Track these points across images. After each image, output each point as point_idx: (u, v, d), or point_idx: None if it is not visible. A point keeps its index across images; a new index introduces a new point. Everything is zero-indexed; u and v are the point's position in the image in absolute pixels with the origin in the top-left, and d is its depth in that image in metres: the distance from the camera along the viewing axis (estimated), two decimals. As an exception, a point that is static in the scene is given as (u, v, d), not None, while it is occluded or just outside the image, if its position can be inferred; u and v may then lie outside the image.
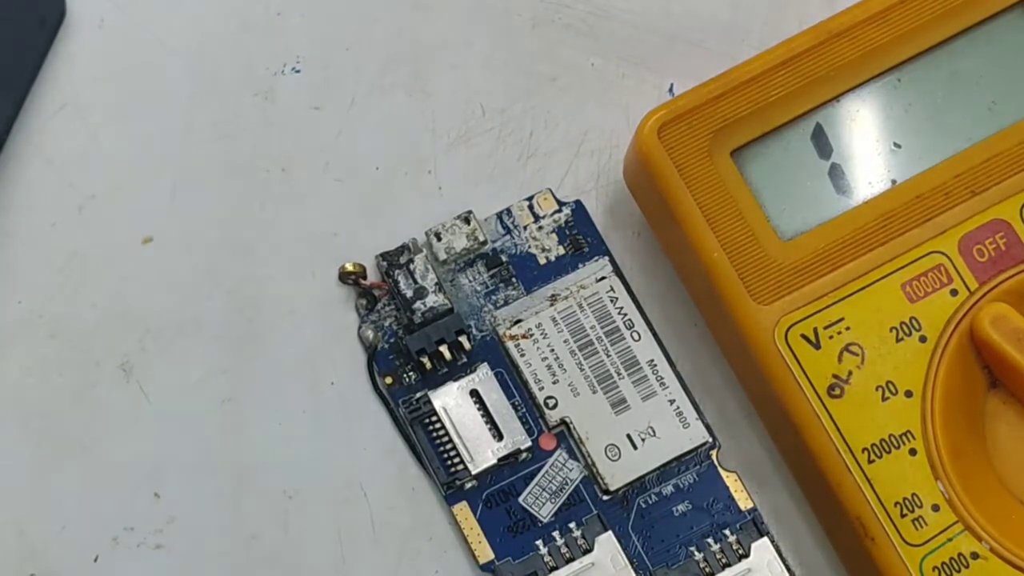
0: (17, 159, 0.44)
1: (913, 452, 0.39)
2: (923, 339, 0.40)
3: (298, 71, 0.44)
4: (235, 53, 0.44)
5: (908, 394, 0.39)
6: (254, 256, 0.43)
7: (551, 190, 0.43)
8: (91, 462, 0.42)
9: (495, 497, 0.42)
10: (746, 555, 0.41)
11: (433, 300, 0.42)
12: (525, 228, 0.43)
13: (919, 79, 0.41)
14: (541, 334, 0.42)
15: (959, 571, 0.39)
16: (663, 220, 0.41)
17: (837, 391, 0.39)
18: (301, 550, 0.42)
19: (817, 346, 0.40)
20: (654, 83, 0.44)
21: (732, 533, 0.41)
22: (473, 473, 0.41)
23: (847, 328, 0.40)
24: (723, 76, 0.41)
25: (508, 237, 0.43)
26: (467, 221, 0.43)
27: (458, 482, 0.42)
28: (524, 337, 0.42)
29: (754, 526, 0.41)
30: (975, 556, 0.38)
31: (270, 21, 0.44)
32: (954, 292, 0.40)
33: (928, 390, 0.39)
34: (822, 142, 0.41)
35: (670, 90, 0.44)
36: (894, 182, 0.41)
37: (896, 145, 0.41)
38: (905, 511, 0.39)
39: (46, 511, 0.42)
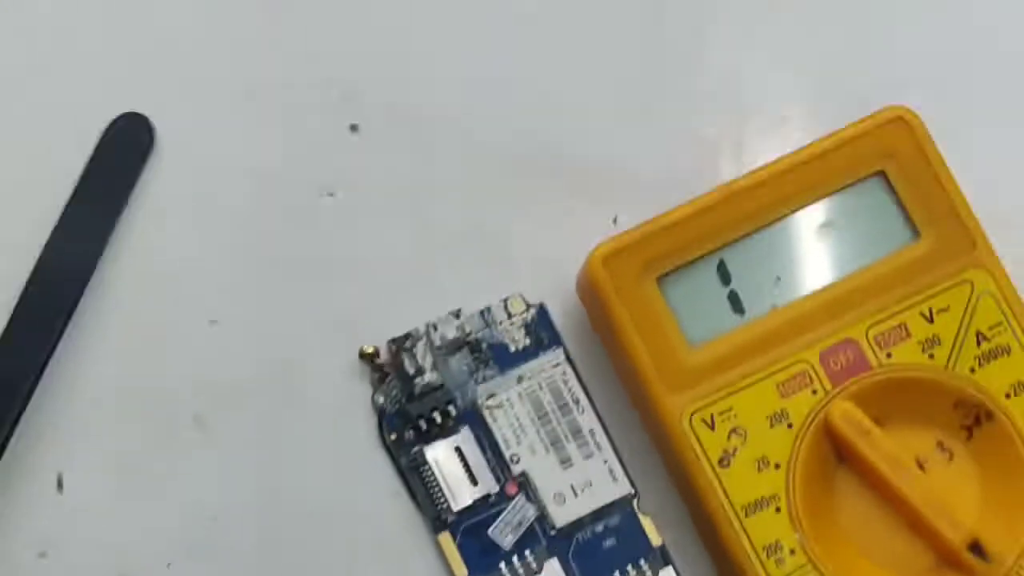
0: (113, 259, 0.48)
1: (778, 509, 0.44)
2: (790, 426, 0.45)
3: (333, 195, 0.49)
4: (287, 177, 0.49)
5: (776, 466, 0.44)
6: (295, 337, 0.48)
7: (521, 295, 0.48)
8: (166, 491, 0.47)
9: (470, 529, 0.46)
10: None
11: (429, 377, 0.47)
12: (500, 323, 0.48)
13: (796, 229, 0.46)
14: (510, 406, 0.47)
15: None
16: (604, 325, 0.46)
17: (725, 462, 0.44)
18: (320, 562, 0.47)
19: (712, 428, 0.45)
20: (603, 214, 0.48)
21: (645, 562, 0.46)
22: (455, 510, 0.46)
23: (735, 415, 0.45)
24: (651, 221, 0.45)
25: (487, 330, 0.48)
26: (457, 316, 0.48)
27: (443, 516, 0.46)
28: (497, 408, 0.47)
29: (662, 558, 0.46)
30: None
31: (314, 156, 0.49)
32: (814, 391, 0.45)
33: (791, 464, 0.44)
34: (724, 273, 0.46)
35: (614, 221, 0.48)
36: (775, 306, 0.46)
37: (777, 279, 0.46)
38: (770, 553, 0.44)
39: (131, 529, 0.46)
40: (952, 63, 0.50)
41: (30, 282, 0.48)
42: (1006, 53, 0.51)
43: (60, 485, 0.47)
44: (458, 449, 0.47)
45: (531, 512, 0.47)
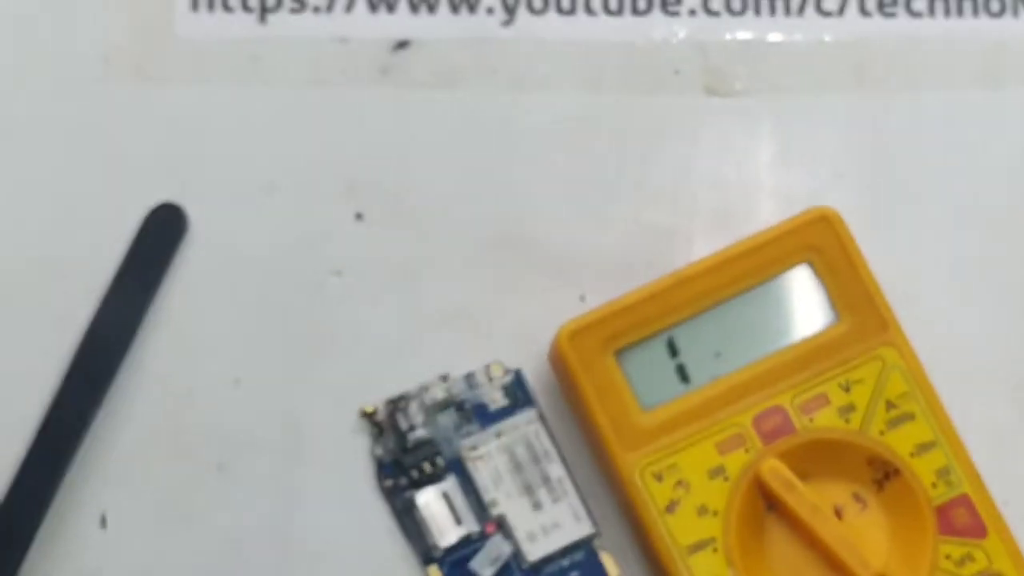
0: (151, 329, 0.50)
1: (715, 550, 0.46)
2: (726, 479, 0.47)
3: (340, 274, 0.51)
4: (300, 259, 0.51)
5: (715, 513, 0.47)
6: (305, 397, 0.50)
7: (500, 361, 0.50)
8: (194, 528, 0.49)
9: (455, 563, 0.49)
10: None
11: (420, 432, 0.49)
12: (482, 386, 0.50)
13: (735, 310, 0.48)
14: (489, 457, 0.49)
15: None
16: (571, 390, 0.48)
17: (672, 509, 0.47)
18: None
19: (661, 480, 0.47)
20: (571, 292, 0.51)
21: None
22: (441, 547, 0.49)
23: (679, 469, 0.47)
24: (612, 303, 0.48)
25: (471, 392, 0.50)
26: (444, 380, 0.50)
27: (431, 552, 0.48)
28: (478, 459, 0.49)
29: None
30: None
31: (323, 241, 0.51)
32: (747, 450, 0.47)
33: (728, 511, 0.47)
34: (672, 348, 0.48)
35: (581, 298, 0.50)
36: (715, 377, 0.48)
37: (718, 353, 0.48)
38: None
39: (165, 562, 0.49)
40: (873, 164, 0.53)
41: (80, 347, 0.49)
42: (916, 155, 0.53)
43: (104, 523, 0.49)
44: (445, 494, 0.49)
45: (507, 549, 0.49)
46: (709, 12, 0.53)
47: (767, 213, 0.52)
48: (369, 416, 0.50)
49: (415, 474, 0.50)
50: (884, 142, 0.53)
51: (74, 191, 0.52)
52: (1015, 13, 0.53)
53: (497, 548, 0.49)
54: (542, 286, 0.51)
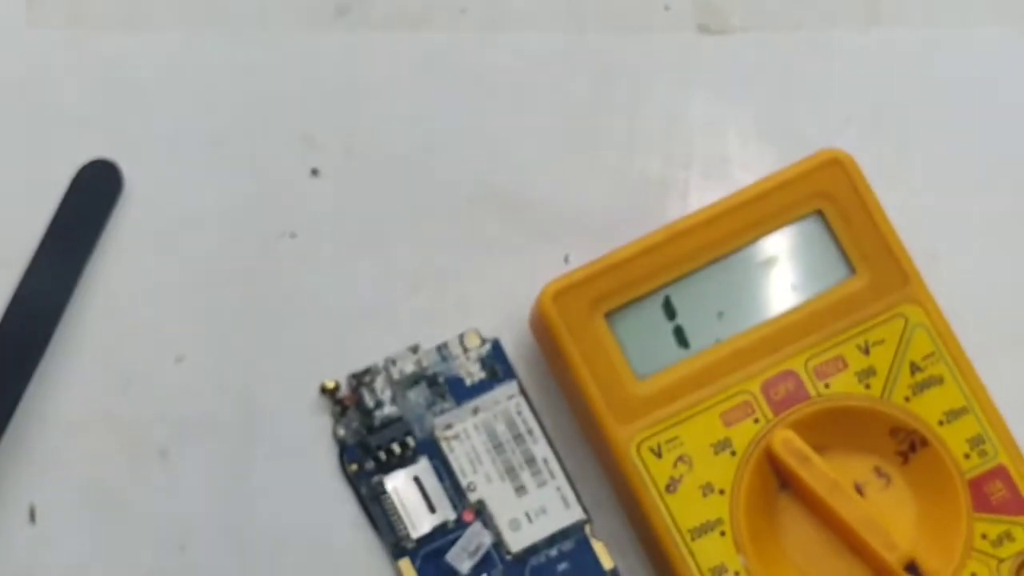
0: (83, 298, 0.48)
1: (723, 533, 0.45)
2: (733, 453, 0.45)
3: (295, 236, 0.49)
4: (250, 220, 0.49)
5: (721, 492, 0.45)
6: (258, 373, 0.48)
7: (476, 330, 0.48)
8: (136, 521, 0.47)
9: (429, 555, 0.47)
10: None
11: (388, 410, 0.48)
12: (456, 358, 0.48)
13: (738, 266, 0.47)
14: (466, 436, 0.48)
15: None
16: (556, 359, 0.47)
17: (672, 488, 0.45)
18: None
19: (659, 456, 0.45)
20: (554, 253, 0.49)
21: None
22: (414, 537, 0.47)
23: (681, 444, 0.45)
24: (599, 260, 0.46)
25: (444, 364, 0.48)
26: (415, 351, 0.48)
27: (403, 543, 0.47)
28: (454, 438, 0.48)
29: None
30: None
31: (276, 199, 0.49)
32: (756, 420, 0.46)
33: (735, 490, 0.45)
34: (669, 309, 0.46)
35: (566, 259, 0.49)
36: (718, 340, 0.46)
37: (720, 314, 0.46)
38: (716, 575, 0.44)
39: (102, 559, 0.47)
40: (885, 108, 0.51)
41: (3, 321, 0.48)
42: (935, 95, 0.51)
43: (33, 516, 0.47)
44: (416, 479, 0.47)
45: (487, 538, 0.47)
46: None
47: (770, 160, 0.50)
48: (330, 393, 0.48)
49: (383, 456, 0.48)
50: (896, 82, 0.52)
51: None
52: None
53: (476, 538, 0.48)
54: (521, 245, 0.50)
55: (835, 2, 0.52)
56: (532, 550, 0.47)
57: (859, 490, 0.46)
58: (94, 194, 0.49)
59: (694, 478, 0.45)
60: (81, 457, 0.48)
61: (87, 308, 0.49)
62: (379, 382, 0.48)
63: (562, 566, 0.47)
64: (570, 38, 0.51)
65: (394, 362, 0.48)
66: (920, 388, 0.46)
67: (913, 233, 0.47)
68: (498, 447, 0.48)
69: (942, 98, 0.51)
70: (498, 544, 0.47)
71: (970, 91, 0.51)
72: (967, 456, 0.46)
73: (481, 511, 0.47)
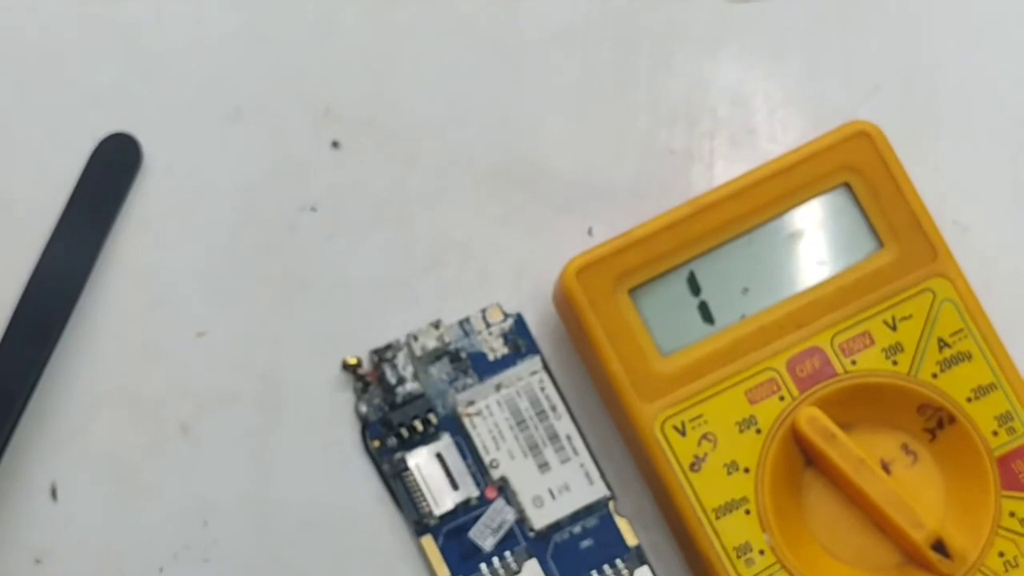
0: (103, 273, 0.48)
1: (748, 512, 0.45)
2: (758, 431, 0.45)
3: (315, 210, 0.49)
4: (270, 194, 0.49)
5: (746, 470, 0.45)
6: (280, 349, 0.48)
7: (499, 305, 0.48)
8: (157, 497, 0.47)
9: (452, 532, 0.47)
10: None
11: (410, 386, 0.47)
12: (479, 333, 0.48)
13: (763, 241, 0.46)
14: (488, 413, 0.47)
15: None
16: (579, 335, 0.46)
17: (697, 467, 0.45)
18: (307, 566, 0.47)
19: (684, 434, 0.45)
20: (578, 226, 0.49)
21: (622, 562, 0.47)
22: (436, 514, 0.47)
23: (705, 422, 0.45)
24: (624, 236, 0.46)
25: (466, 339, 0.48)
26: (436, 327, 0.48)
27: (425, 520, 0.47)
28: (476, 415, 0.47)
29: (637, 558, 0.47)
30: None
31: (296, 173, 0.49)
32: (781, 398, 0.45)
33: (760, 468, 0.45)
34: (694, 285, 0.46)
35: (589, 232, 0.49)
36: (743, 316, 0.46)
37: (745, 289, 0.46)
38: (740, 553, 0.44)
39: (124, 536, 0.47)
40: (914, 77, 0.51)
41: (24, 296, 0.48)
42: (965, 67, 0.51)
43: (54, 494, 0.47)
44: (439, 455, 0.47)
45: (510, 515, 0.47)
46: None
47: (797, 131, 0.50)
48: (352, 369, 0.48)
49: (405, 433, 0.48)
50: (927, 50, 0.51)
51: (16, 122, 0.50)
52: None
53: (499, 515, 0.47)
54: (544, 219, 0.50)
55: None
56: (555, 527, 0.47)
57: (886, 468, 0.45)
58: (114, 168, 0.49)
59: (719, 456, 0.45)
60: (102, 433, 0.48)
61: (107, 282, 0.49)
62: (401, 358, 0.48)
63: (585, 543, 0.47)
64: (593, 5, 0.51)
65: (416, 338, 0.48)
66: (948, 364, 0.46)
67: (942, 206, 0.47)
68: (521, 423, 0.48)
69: (972, 66, 0.51)
70: (521, 521, 0.47)
71: (999, 58, 0.51)
72: (995, 433, 0.45)
73: (504, 488, 0.47)
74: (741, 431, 0.45)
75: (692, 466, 0.45)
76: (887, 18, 0.51)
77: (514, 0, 0.51)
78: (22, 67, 0.50)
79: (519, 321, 0.48)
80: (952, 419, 0.45)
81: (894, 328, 0.46)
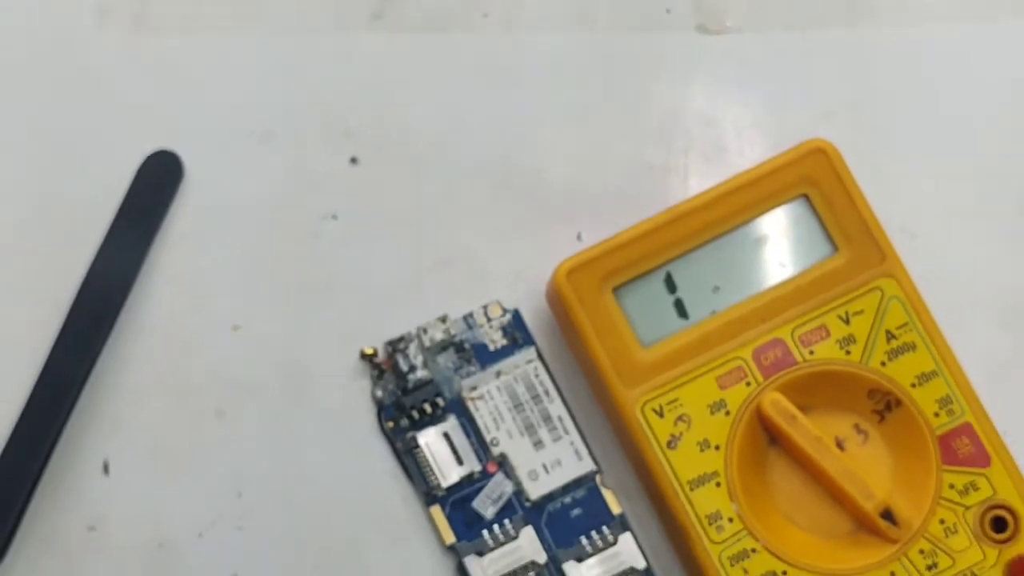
0: (149, 275, 0.48)
1: (718, 484, 0.44)
2: (727, 413, 0.45)
3: (336, 218, 0.48)
4: (296, 204, 0.49)
5: (716, 448, 0.44)
6: (305, 341, 0.48)
7: (498, 301, 0.48)
8: (196, 473, 0.47)
9: (457, 502, 0.46)
10: (615, 544, 0.46)
11: (420, 373, 0.47)
12: (481, 326, 0.48)
13: (732, 245, 0.46)
14: (489, 397, 0.47)
15: (742, 560, 0.44)
16: (569, 329, 0.46)
17: (673, 445, 0.44)
18: (329, 533, 0.47)
19: (661, 416, 0.45)
20: (568, 232, 0.48)
21: (607, 529, 0.46)
22: (444, 487, 0.46)
23: (680, 405, 0.45)
24: (608, 241, 0.45)
25: (470, 332, 0.47)
26: (443, 321, 0.47)
27: (434, 492, 0.46)
28: (478, 399, 0.47)
29: (621, 525, 0.46)
30: (753, 551, 0.44)
31: (319, 186, 0.49)
32: (748, 384, 0.45)
33: (729, 446, 0.45)
34: (670, 284, 0.46)
35: (578, 237, 0.48)
36: (714, 312, 0.45)
37: (716, 288, 0.46)
38: (711, 521, 0.44)
39: (167, 506, 0.47)
40: (864, 101, 0.50)
41: (78, 295, 0.47)
42: (908, 93, 0.50)
43: (106, 469, 0.47)
44: (446, 434, 0.47)
45: (509, 487, 0.46)
46: None
47: (760, 149, 0.49)
48: (369, 358, 0.48)
49: (416, 415, 0.47)
50: (876, 77, 0.51)
51: (70, 140, 0.49)
52: None
53: (499, 487, 0.47)
54: (538, 226, 0.49)
55: (819, 5, 0.50)
56: (549, 497, 0.47)
57: (840, 445, 0.45)
58: (158, 181, 0.48)
59: (692, 435, 0.45)
60: (148, 416, 0.47)
61: (152, 283, 0.48)
62: (412, 348, 0.47)
63: (575, 512, 0.46)
64: (582, 38, 0.50)
65: (425, 330, 0.47)
66: (895, 354, 0.45)
67: (890, 214, 0.46)
68: (518, 406, 0.47)
69: (915, 91, 0.50)
70: (518, 492, 0.47)
71: (939, 84, 0.50)
72: (937, 415, 0.45)
73: (503, 463, 0.47)
74: (712, 413, 0.45)
75: (669, 444, 0.45)
76: (840, 50, 0.50)
77: (512, 33, 0.50)
78: (79, 92, 0.49)
79: (516, 316, 0.48)
80: (899, 402, 0.45)
81: (847, 322, 0.45)
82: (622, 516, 0.47)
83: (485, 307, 0.48)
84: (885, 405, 0.45)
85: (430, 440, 0.47)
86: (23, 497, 0.46)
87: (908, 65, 0.50)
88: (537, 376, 0.47)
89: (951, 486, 0.45)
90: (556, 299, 0.46)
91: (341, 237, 0.49)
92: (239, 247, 0.49)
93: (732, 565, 0.44)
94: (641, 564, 0.46)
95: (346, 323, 0.48)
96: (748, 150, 0.49)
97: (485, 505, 0.46)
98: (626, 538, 0.46)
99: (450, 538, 0.46)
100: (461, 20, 0.50)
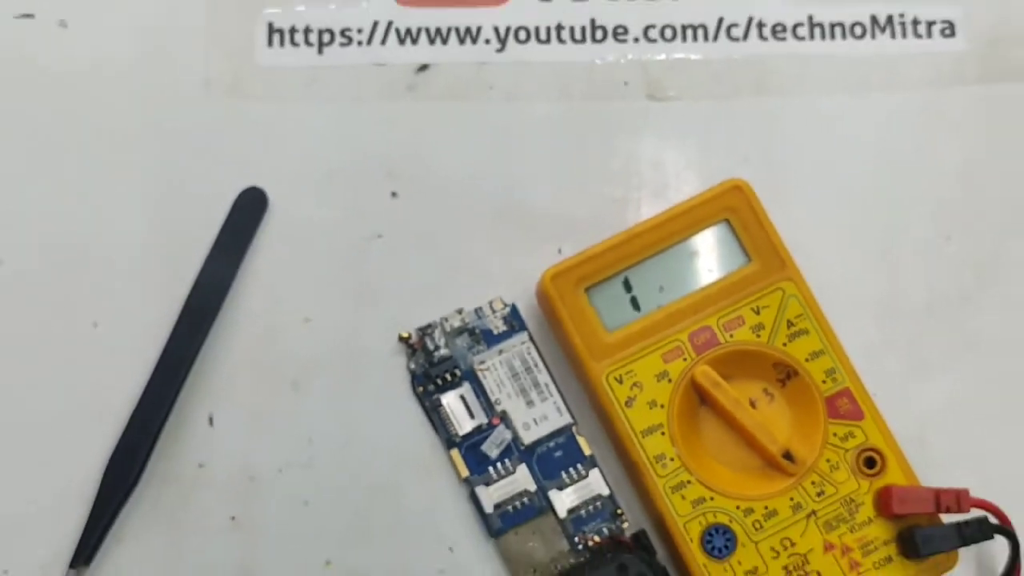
0: (241, 282, 0.48)
1: (663, 433, 0.45)
2: (670, 380, 0.45)
3: (381, 237, 0.48)
4: (351, 226, 0.48)
5: (662, 406, 0.45)
6: (358, 328, 0.48)
7: (500, 298, 0.48)
8: (277, 426, 0.47)
9: (470, 446, 0.47)
10: (587, 477, 0.46)
11: (443, 351, 0.47)
12: (487, 316, 0.48)
13: (673, 257, 0.46)
14: (494, 368, 0.47)
15: (680, 489, 0.44)
16: (553, 319, 0.46)
17: (630, 404, 0.45)
18: (377, 467, 0.47)
19: (621, 382, 0.45)
20: (552, 247, 0.48)
21: (581, 466, 0.46)
22: (460, 435, 0.47)
23: (635, 375, 0.45)
24: (581, 254, 0.45)
25: (479, 320, 0.48)
26: (460, 312, 0.48)
27: (453, 439, 0.47)
28: (486, 370, 0.47)
29: (591, 463, 0.46)
30: (688, 482, 0.44)
31: (368, 212, 0.48)
32: (685, 359, 0.45)
33: (671, 405, 0.45)
34: (627, 286, 0.46)
35: (559, 251, 0.48)
36: (659, 306, 0.45)
37: (661, 288, 0.46)
38: (658, 460, 0.44)
39: (256, 449, 0.47)
40: (772, 149, 0.50)
41: (190, 294, 0.47)
42: (807, 144, 0.50)
43: (211, 421, 0.47)
44: (462, 396, 0.47)
45: (508, 435, 0.47)
46: (648, 40, 0.51)
47: (693, 186, 0.49)
48: (405, 340, 0.48)
49: (439, 382, 0.48)
50: (778, 133, 0.51)
51: (185, 178, 0.49)
52: (873, 36, 0.51)
53: (501, 435, 0.47)
54: (530, 243, 0.49)
55: (736, 80, 0.50)
56: (538, 443, 0.47)
57: (752, 404, 0.45)
58: (249, 210, 0.48)
59: (644, 397, 0.45)
60: (241, 384, 0.47)
61: (244, 286, 0.48)
62: (436, 333, 0.48)
63: (557, 453, 0.47)
64: (562, 105, 0.50)
65: (446, 319, 0.48)
66: (793, 337, 0.45)
67: (790, 234, 0.46)
68: (515, 376, 0.47)
69: (807, 143, 0.50)
70: (515, 439, 0.47)
71: (825, 138, 0.50)
72: (824, 382, 0.45)
73: (504, 417, 0.47)
74: (658, 381, 0.45)
75: (627, 403, 0.45)
76: (752, 113, 0.50)
77: (509, 103, 0.50)
78: (191, 142, 0.49)
79: (514, 309, 0.48)
80: (796, 373, 0.45)
81: (758, 313, 0.45)
82: (592, 457, 0.47)
83: (491, 302, 0.48)
84: (786, 375, 0.45)
85: (450, 401, 0.47)
86: (149, 442, 0.46)
87: (802, 124, 0.50)
88: (529, 354, 0.48)
89: (834, 434, 0.45)
90: (543, 296, 0.46)
91: (385, 251, 0.48)
92: (309, 259, 0.48)
93: (673, 492, 0.44)
94: (606, 492, 0.46)
95: (388, 315, 0.48)
96: (684, 187, 0.49)
97: (491, 448, 0.47)
98: (595, 473, 0.47)
99: (465, 473, 0.47)
100: (473, 92, 0.50)
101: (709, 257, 0.46)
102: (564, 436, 0.47)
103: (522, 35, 0.50)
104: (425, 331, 0.48)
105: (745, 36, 0.50)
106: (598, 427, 0.48)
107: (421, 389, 0.48)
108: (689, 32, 0.50)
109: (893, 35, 0.50)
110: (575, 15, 0.50)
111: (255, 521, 0.46)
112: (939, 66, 0.50)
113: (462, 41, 0.50)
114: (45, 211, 0.48)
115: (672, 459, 0.45)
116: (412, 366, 0.48)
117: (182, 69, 0.50)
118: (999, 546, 0.45)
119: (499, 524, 0.46)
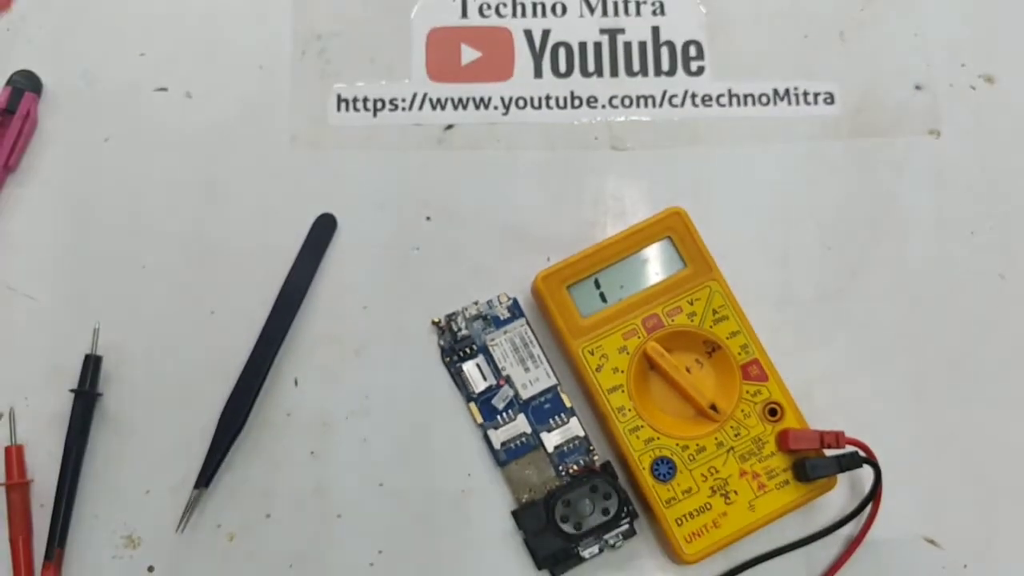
0: (316, 287, 0.46)
1: (623, 391, 0.44)
2: (628, 353, 0.44)
3: (418, 250, 0.46)
4: (397, 241, 0.47)
5: (622, 372, 0.44)
6: (403, 314, 0.46)
7: (505, 293, 0.46)
8: (345, 383, 0.45)
9: (484, 401, 0.45)
10: (568, 423, 0.45)
11: (464, 332, 0.46)
12: (496, 307, 0.46)
13: (630, 263, 0.44)
14: (501, 345, 0.46)
15: (636, 431, 0.43)
16: (543, 308, 0.45)
17: (599, 370, 0.44)
18: (414, 416, 0.45)
19: (593, 354, 0.44)
20: (542, 256, 0.46)
21: (563, 415, 0.45)
22: (476, 392, 0.45)
23: (603, 349, 0.44)
24: (564, 261, 0.44)
25: (490, 310, 0.46)
26: (476, 304, 0.46)
27: (471, 396, 0.45)
28: (495, 346, 0.46)
29: (572, 413, 0.45)
30: (641, 427, 0.43)
31: (409, 232, 0.46)
32: (639, 337, 0.44)
33: (629, 371, 0.44)
34: (597, 284, 0.45)
35: (547, 259, 0.46)
36: (621, 299, 0.44)
37: (621, 286, 0.44)
38: (620, 411, 0.43)
39: (329, 400, 0.45)
40: (701, 187, 0.48)
41: (279, 295, 0.46)
42: (730, 183, 0.48)
43: (296, 383, 0.46)
44: (478, 365, 0.46)
45: (510, 393, 0.45)
46: (612, 106, 0.49)
47: (645, 212, 0.47)
48: (436, 324, 0.47)
49: (461, 354, 0.46)
50: (707, 173, 0.49)
51: (278, 207, 0.48)
52: (775, 103, 0.49)
53: (506, 392, 0.46)
54: (526, 253, 0.47)
55: (676, 135, 0.48)
56: (532, 398, 0.45)
57: (688, 370, 0.44)
58: (323, 230, 0.47)
59: (609, 365, 0.44)
60: (319, 353, 0.46)
61: (320, 287, 0.47)
62: (459, 318, 0.46)
63: (547, 405, 0.45)
64: (548, 154, 0.48)
65: (466, 309, 0.46)
66: (717, 321, 0.44)
67: (715, 246, 0.45)
68: (516, 350, 0.46)
69: (728, 181, 0.48)
70: (516, 395, 0.45)
71: (740, 177, 0.48)
72: (739, 354, 0.44)
73: (508, 380, 0.45)
74: (620, 353, 0.44)
75: (597, 369, 0.44)
76: (688, 158, 0.48)
77: (513, 150, 0.48)
78: (281, 182, 0.48)
79: (515, 302, 0.46)
80: (719, 347, 0.44)
81: (692, 304, 0.44)
82: (572, 408, 0.45)
83: (498, 296, 0.46)
84: (712, 349, 0.44)
85: (469, 368, 0.46)
86: (252, 397, 0.45)
87: (724, 167, 0.48)
88: (526, 334, 0.46)
89: (747, 392, 0.44)
90: (536, 293, 0.45)
91: (421, 260, 0.47)
92: (366, 266, 0.47)
93: (630, 434, 0.43)
94: (582, 433, 0.45)
95: (425, 305, 0.46)
96: (638, 213, 0.47)
97: (499, 402, 0.45)
98: (574, 420, 0.45)
99: (479, 420, 0.45)
100: (485, 143, 0.48)
101: (656, 263, 0.45)
102: (551, 393, 0.46)
103: (521, 103, 0.49)
104: (451, 317, 0.47)
105: (683, 103, 0.49)
106: (576, 387, 0.46)
107: (448, 359, 0.46)
108: (642, 101, 0.49)
109: (789, 103, 0.49)
110: (560, 89, 0.49)
111: (328, 455, 0.45)
112: (822, 125, 0.49)
113: (477, 107, 0.49)
114: (176, 232, 0.47)
115: (630, 410, 0.44)
116: (441, 342, 0.46)
117: (275, 129, 0.48)
118: (866, 473, 0.44)
119: (504, 457, 0.45)
